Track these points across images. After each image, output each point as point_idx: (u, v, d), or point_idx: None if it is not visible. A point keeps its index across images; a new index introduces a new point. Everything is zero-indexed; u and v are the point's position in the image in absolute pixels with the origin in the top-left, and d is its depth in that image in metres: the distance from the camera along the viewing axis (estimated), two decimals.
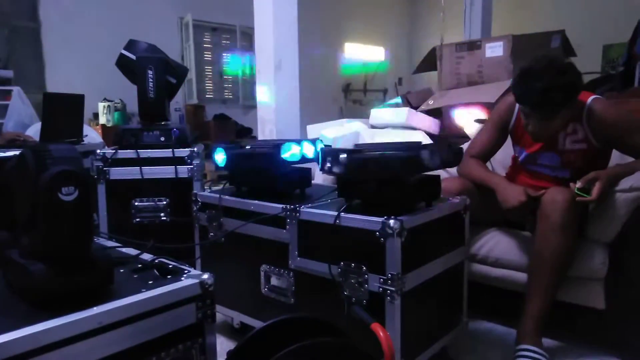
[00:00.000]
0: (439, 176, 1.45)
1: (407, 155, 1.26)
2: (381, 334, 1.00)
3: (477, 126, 2.49)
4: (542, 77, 1.48)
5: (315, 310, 1.42)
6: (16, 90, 3.82)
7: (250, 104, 6.74)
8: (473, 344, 1.70)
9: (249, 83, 6.96)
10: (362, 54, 8.46)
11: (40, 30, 5.16)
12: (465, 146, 1.90)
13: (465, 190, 1.69)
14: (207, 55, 6.74)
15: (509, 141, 1.89)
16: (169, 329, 0.96)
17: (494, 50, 2.70)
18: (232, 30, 6.76)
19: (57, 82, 5.12)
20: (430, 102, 2.87)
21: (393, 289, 1.21)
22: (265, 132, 3.26)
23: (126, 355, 0.89)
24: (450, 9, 5.35)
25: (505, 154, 1.98)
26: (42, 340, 0.78)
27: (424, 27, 8.64)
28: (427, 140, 2.57)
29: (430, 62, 3.29)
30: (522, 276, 1.67)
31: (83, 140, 2.49)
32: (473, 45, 2.82)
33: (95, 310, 0.85)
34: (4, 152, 1.98)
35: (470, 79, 2.83)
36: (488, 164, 1.94)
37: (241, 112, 6.86)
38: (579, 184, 1.53)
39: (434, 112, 2.88)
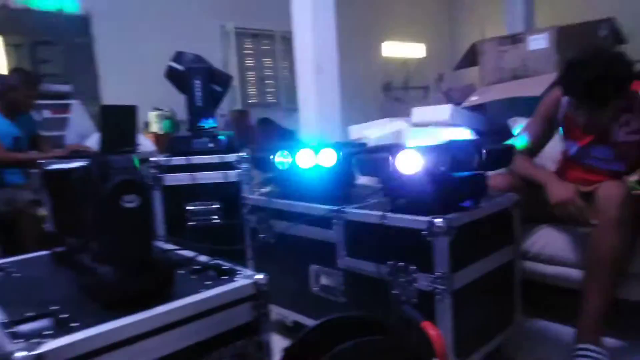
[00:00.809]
0: (485, 173, 1.43)
1: (451, 154, 1.26)
2: (432, 332, 1.01)
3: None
4: (589, 68, 1.44)
5: (365, 308, 1.44)
6: (75, 103, 4.06)
7: (292, 107, 6.82)
8: (529, 343, 1.66)
9: (290, 87, 7.05)
10: (402, 51, 8.37)
11: (93, 46, 5.44)
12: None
13: (514, 186, 1.66)
14: (249, 61, 6.89)
15: (557, 134, 1.83)
16: (227, 327, 1.01)
17: (538, 42, 2.62)
18: (271, 36, 6.87)
19: (111, 93, 5.38)
20: (474, 98, 2.82)
21: (443, 287, 1.21)
22: (307, 134, 3.30)
23: (189, 352, 0.95)
24: (491, 2, 5.22)
25: (554, 148, 1.92)
26: (113, 338, 0.85)
27: (464, 22, 8.45)
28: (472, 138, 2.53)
29: (471, 58, 3.23)
30: (577, 273, 1.62)
31: (137, 149, 2.62)
32: (516, 39, 2.75)
33: (159, 310, 0.91)
34: (69, 163, 2.12)
35: (514, 73, 2.76)
36: (537, 159, 1.89)
37: (284, 115, 6.95)
38: (634, 177, 1.47)
39: (478, 108, 2.83)
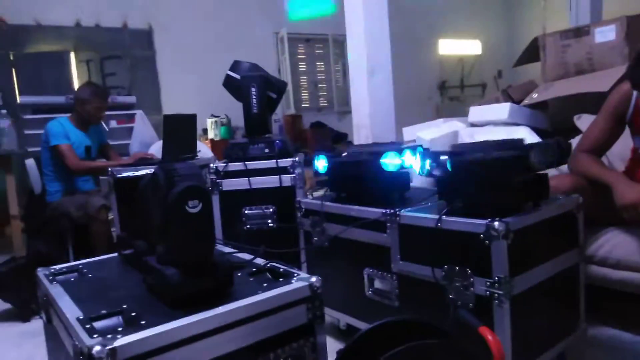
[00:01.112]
0: (546, 174, 1.38)
1: (512, 156, 1.23)
2: (490, 337, 0.99)
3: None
4: None
5: (419, 313, 1.42)
6: (139, 113, 4.29)
7: (345, 110, 6.84)
8: (594, 351, 1.58)
9: (342, 90, 7.08)
10: (458, 48, 8.17)
11: (155, 58, 5.74)
12: (575, 141, 1.77)
13: (578, 188, 1.59)
14: (302, 66, 6.99)
15: (627, 133, 1.73)
16: (283, 328, 1.04)
17: (605, 34, 2.47)
18: (324, 40, 6.94)
19: (171, 103, 5.66)
20: (535, 95, 2.70)
21: (501, 292, 1.18)
22: (360, 137, 3.30)
23: (247, 351, 0.99)
24: None
25: (623, 147, 1.81)
26: (178, 336, 0.90)
27: (523, 16, 8.13)
28: (532, 137, 2.43)
29: (532, 53, 3.10)
30: None
31: (197, 155, 2.74)
32: (580, 32, 2.61)
33: (220, 309, 0.95)
34: (137, 170, 2.26)
35: (578, 68, 2.62)
36: (604, 158, 1.79)
37: (336, 118, 7.00)
38: None
39: (539, 106, 2.71)
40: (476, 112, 2.84)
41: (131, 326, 0.91)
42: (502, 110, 2.65)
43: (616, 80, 2.20)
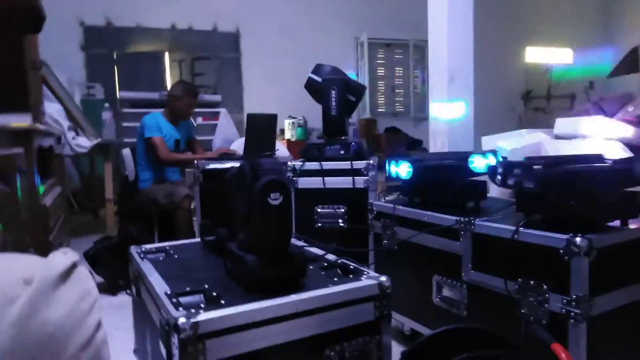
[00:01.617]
0: (638, 192, 1.30)
1: (609, 170, 1.18)
2: (563, 355, 0.95)
3: None
4: None
5: (488, 324, 1.39)
6: (223, 111, 4.54)
7: (421, 117, 6.76)
8: None
9: (420, 96, 6.99)
10: (546, 57, 7.75)
11: (240, 60, 6.03)
12: None
13: None
14: (380, 71, 7.00)
15: None
16: (351, 323, 1.07)
17: None
18: (404, 45, 6.90)
19: (252, 102, 5.92)
20: (630, 108, 2.53)
21: (578, 311, 1.13)
22: (437, 144, 3.26)
23: (314, 341, 1.03)
24: None
25: None
26: (255, 317, 0.96)
27: (622, 24, 7.54)
28: (624, 153, 2.27)
29: (630, 64, 2.89)
30: None
31: (275, 154, 2.85)
32: None
33: (294, 297, 1.01)
34: (222, 164, 2.41)
35: None
36: None
37: (412, 124, 6.92)
38: None
39: (635, 122, 2.52)
40: (563, 124, 2.70)
41: (212, 304, 0.99)
42: (592, 123, 2.50)
43: None
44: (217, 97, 5.29)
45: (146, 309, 1.23)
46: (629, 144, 2.44)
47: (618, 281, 1.22)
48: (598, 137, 2.48)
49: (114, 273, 2.50)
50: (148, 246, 1.50)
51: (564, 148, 2.47)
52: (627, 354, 1.30)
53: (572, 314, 1.14)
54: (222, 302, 1.00)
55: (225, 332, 0.94)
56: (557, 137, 2.71)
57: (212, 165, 2.43)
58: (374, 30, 6.50)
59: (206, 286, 1.08)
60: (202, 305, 0.98)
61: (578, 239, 1.13)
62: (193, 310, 0.94)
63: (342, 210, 2.21)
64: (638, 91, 2.79)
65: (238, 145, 3.30)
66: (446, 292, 1.58)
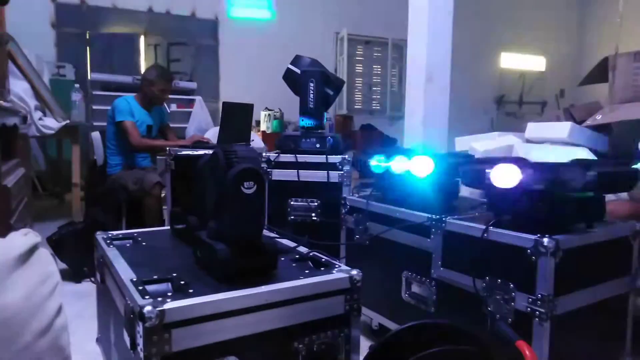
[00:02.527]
0: (603, 197, 1.34)
1: (572, 174, 1.20)
2: (527, 352, 0.97)
3: None
4: None
5: (455, 321, 1.41)
6: (198, 99, 4.46)
7: (397, 115, 6.81)
8: None
9: (397, 95, 7.04)
10: (520, 63, 7.93)
11: (218, 48, 5.94)
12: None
13: (636, 215, 1.52)
14: (358, 67, 7.01)
15: None
16: (320, 316, 1.07)
17: None
18: (384, 43, 6.92)
19: (228, 92, 5.83)
20: (598, 117, 2.60)
21: (542, 310, 1.16)
22: (411, 143, 3.29)
23: (283, 333, 1.02)
24: (629, 14, 4.75)
25: None
26: (222, 307, 0.95)
27: (594, 35, 7.78)
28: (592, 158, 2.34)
29: (600, 73, 2.98)
30: None
31: (250, 144, 2.82)
32: None
33: (264, 288, 0.99)
34: (195, 151, 2.37)
35: None
36: None
37: (387, 122, 6.97)
38: None
39: (602, 128, 2.61)
40: (534, 128, 2.76)
41: (179, 293, 0.96)
42: (562, 128, 2.57)
43: None
44: (193, 85, 5.19)
45: (110, 296, 1.20)
46: (595, 150, 2.52)
47: (581, 282, 1.25)
48: (567, 142, 2.55)
49: (79, 260, 2.43)
50: (115, 233, 1.46)
51: (534, 152, 2.53)
52: (586, 353, 1.34)
53: (537, 312, 1.17)
54: (190, 291, 0.97)
55: (192, 322, 0.92)
56: (528, 141, 2.78)
57: (185, 152, 2.39)
58: (354, 26, 6.50)
59: (174, 275, 1.05)
60: (169, 294, 0.96)
61: (545, 240, 1.15)
62: (160, 299, 0.91)
63: (316, 203, 2.20)
64: (606, 100, 2.87)
65: (212, 134, 3.25)
66: (415, 288, 1.60)
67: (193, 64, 5.82)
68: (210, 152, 1.16)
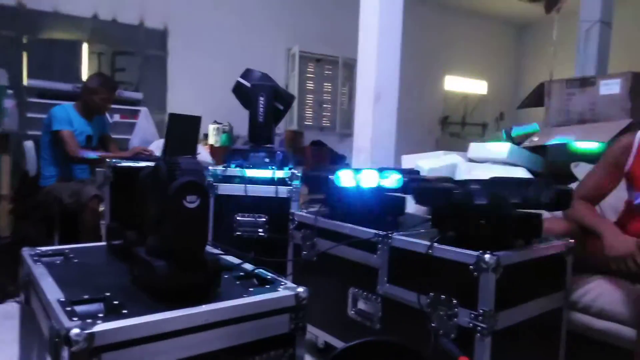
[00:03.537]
0: (540, 214, 1.39)
1: (510, 192, 1.25)
2: None
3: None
4: None
5: (400, 337, 1.42)
6: (143, 110, 4.32)
7: (346, 133, 6.90)
8: None
9: (346, 112, 7.15)
10: (463, 86, 8.31)
11: (166, 59, 5.79)
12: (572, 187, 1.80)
13: (570, 232, 1.60)
14: (309, 84, 7.06)
15: (621, 185, 1.75)
16: (264, 335, 1.03)
17: (610, 87, 2.52)
18: (334, 61, 7.03)
19: (176, 104, 5.68)
20: (535, 138, 2.75)
21: (484, 325, 1.18)
22: (359, 160, 3.32)
23: (225, 353, 0.98)
24: (562, 43, 5.11)
25: (616, 198, 1.84)
26: (159, 329, 0.89)
27: (531, 62, 8.29)
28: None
29: (537, 98, 3.16)
30: (630, 331, 1.52)
31: (196, 158, 2.74)
32: (586, 82, 2.67)
33: (204, 308, 0.94)
34: (136, 163, 2.26)
35: (581, 117, 2.67)
36: (596, 208, 1.81)
37: (337, 139, 7.04)
38: None
39: (538, 150, 2.75)
40: (476, 148, 2.87)
41: (112, 314, 0.90)
42: (502, 149, 2.69)
43: (617, 133, 2.24)
44: (139, 95, 5.02)
45: (35, 318, 1.10)
46: (531, 170, 2.65)
47: (520, 297, 1.29)
48: (506, 162, 2.66)
49: (4, 278, 2.25)
50: (44, 248, 1.35)
51: (476, 170, 2.63)
52: None
53: (479, 328, 1.19)
54: (124, 311, 0.91)
55: (126, 345, 0.85)
56: (471, 160, 2.88)
57: (125, 164, 2.28)
58: (306, 43, 6.57)
59: (107, 294, 0.98)
60: (101, 315, 0.89)
61: (487, 256, 1.18)
62: (90, 320, 0.84)
63: (264, 219, 2.16)
64: (543, 123, 3.04)
65: (157, 147, 3.14)
66: (361, 305, 1.59)
67: (139, 74, 5.63)
68: (152, 164, 1.10)
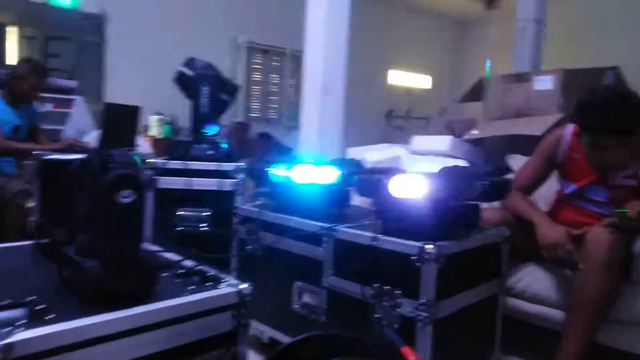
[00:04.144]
0: (478, 205, 1.44)
1: (449, 183, 1.27)
2: (412, 358, 1.00)
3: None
4: (613, 102, 1.47)
5: (346, 329, 1.42)
6: (78, 99, 4.08)
7: (293, 125, 6.86)
8: None
9: (293, 104, 7.11)
10: (407, 80, 8.49)
11: (104, 46, 5.50)
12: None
13: (506, 222, 1.67)
14: (256, 76, 6.96)
15: (553, 175, 1.85)
16: (205, 335, 1.00)
17: (544, 83, 2.66)
18: (282, 53, 6.96)
19: (115, 93, 5.40)
20: (475, 132, 2.85)
21: (426, 314, 1.20)
22: (307, 152, 3.31)
23: (164, 356, 0.93)
24: (500, 40, 5.33)
25: (548, 189, 1.94)
26: (90, 334, 0.83)
27: (471, 58, 8.60)
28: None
29: (476, 93, 3.28)
30: (559, 314, 1.62)
31: (136, 150, 2.62)
32: (522, 78, 2.80)
33: (140, 309, 0.90)
34: (66, 155, 2.12)
35: (517, 111, 2.80)
36: (531, 197, 1.90)
37: (284, 131, 7.00)
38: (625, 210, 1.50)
39: (478, 142, 2.86)
40: (419, 141, 2.94)
41: (37, 319, 0.83)
42: (443, 142, 2.77)
43: (549, 126, 2.37)
44: (73, 83, 4.72)
45: None
46: (471, 162, 2.74)
47: (460, 286, 1.33)
48: (448, 154, 2.74)
49: None
50: None
51: (419, 163, 2.69)
52: (463, 352, 1.42)
53: (421, 317, 1.21)
54: (51, 316, 0.85)
55: (52, 354, 0.79)
56: (414, 153, 2.95)
57: (55, 156, 2.13)
58: (253, 34, 6.46)
59: (32, 298, 0.91)
60: (24, 322, 0.82)
61: (429, 247, 1.20)
62: (9, 328, 0.78)
63: (207, 213, 2.10)
64: (482, 117, 3.16)
65: (93, 139, 2.98)
66: (307, 298, 1.58)
67: (74, 61, 5.30)
68: (84, 156, 1.03)
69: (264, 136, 6.60)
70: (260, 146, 6.22)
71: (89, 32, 5.34)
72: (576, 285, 1.50)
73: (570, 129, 1.72)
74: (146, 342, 0.90)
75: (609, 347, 1.55)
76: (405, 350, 1.02)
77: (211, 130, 2.19)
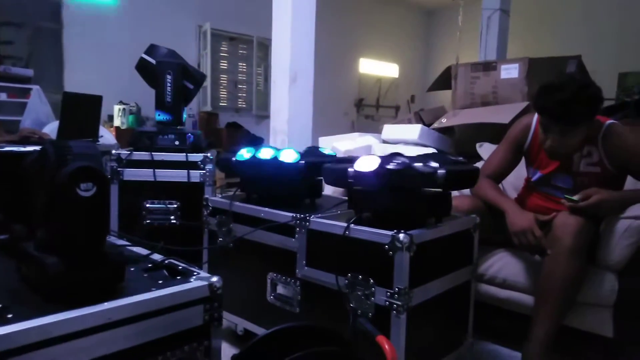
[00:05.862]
0: (450, 193, 1.45)
1: (423, 170, 1.27)
2: (386, 346, 0.99)
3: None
4: (564, 89, 1.49)
5: (320, 320, 1.41)
6: (35, 89, 3.89)
7: (263, 114, 6.79)
8: None
9: (263, 93, 7.02)
10: (377, 69, 8.52)
11: (62, 32, 5.27)
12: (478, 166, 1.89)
13: (476, 209, 1.69)
14: (223, 64, 6.83)
15: (522, 163, 1.89)
16: (176, 329, 0.96)
17: (510, 71, 2.71)
18: (249, 41, 6.85)
19: (75, 83, 5.20)
20: (443, 120, 2.88)
21: (400, 303, 1.21)
22: (277, 142, 3.27)
23: (133, 352, 0.90)
24: (467, 29, 5.39)
25: (517, 176, 1.98)
26: (52, 332, 0.79)
27: (439, 46, 8.70)
28: None
29: (444, 81, 3.30)
30: (529, 299, 1.66)
31: (99, 141, 2.53)
32: (488, 66, 2.83)
33: (106, 305, 0.86)
34: (23, 147, 2.02)
35: (484, 99, 2.84)
36: (500, 185, 1.93)
37: (253, 121, 6.92)
38: (575, 197, 1.54)
39: (446, 131, 2.89)
40: (389, 130, 2.95)
41: None
42: (413, 130, 2.78)
43: (516, 114, 2.41)
44: (29, 72, 4.53)
45: None
46: (441, 150, 2.77)
47: (432, 273, 1.34)
48: (417, 143, 2.76)
49: None
50: None
51: (389, 151, 2.70)
52: (436, 339, 1.44)
53: (395, 305, 1.21)
54: (9, 316, 0.80)
55: (12, 354, 0.75)
56: (384, 142, 2.95)
57: (9, 148, 2.03)
58: (218, 21, 6.32)
59: None
60: None
61: (401, 235, 1.20)
62: None
63: (175, 205, 2.05)
64: (450, 105, 3.20)
65: (52, 130, 2.85)
66: (280, 289, 1.56)
67: (30, 48, 5.07)
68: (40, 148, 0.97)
69: (233, 126, 6.51)
70: (230, 136, 6.12)
71: (44, 17, 5.10)
72: (544, 271, 1.53)
73: (537, 117, 1.75)
74: (113, 339, 0.87)
75: (576, 330, 1.60)
76: (380, 339, 1.02)
77: (175, 120, 2.12)
